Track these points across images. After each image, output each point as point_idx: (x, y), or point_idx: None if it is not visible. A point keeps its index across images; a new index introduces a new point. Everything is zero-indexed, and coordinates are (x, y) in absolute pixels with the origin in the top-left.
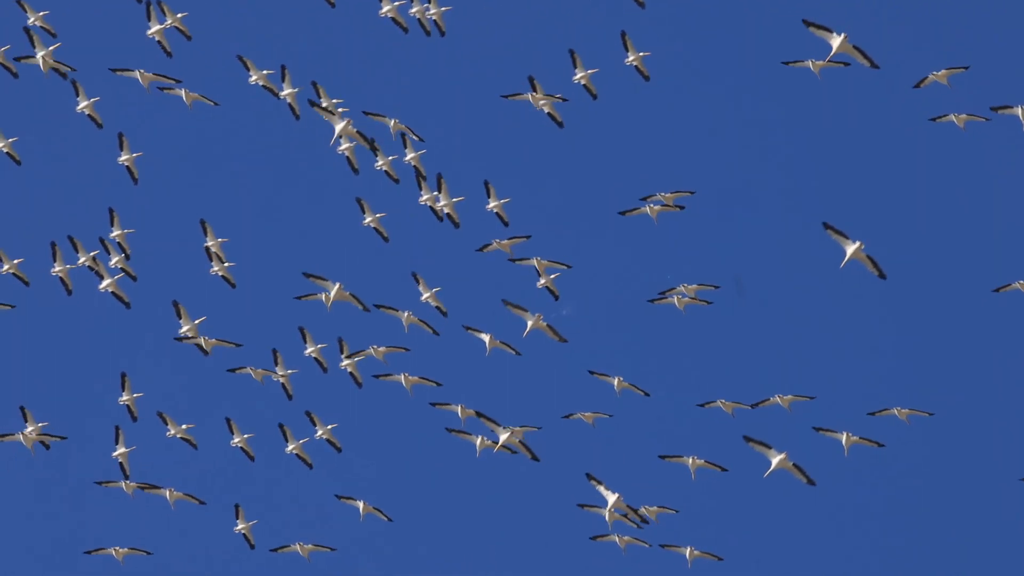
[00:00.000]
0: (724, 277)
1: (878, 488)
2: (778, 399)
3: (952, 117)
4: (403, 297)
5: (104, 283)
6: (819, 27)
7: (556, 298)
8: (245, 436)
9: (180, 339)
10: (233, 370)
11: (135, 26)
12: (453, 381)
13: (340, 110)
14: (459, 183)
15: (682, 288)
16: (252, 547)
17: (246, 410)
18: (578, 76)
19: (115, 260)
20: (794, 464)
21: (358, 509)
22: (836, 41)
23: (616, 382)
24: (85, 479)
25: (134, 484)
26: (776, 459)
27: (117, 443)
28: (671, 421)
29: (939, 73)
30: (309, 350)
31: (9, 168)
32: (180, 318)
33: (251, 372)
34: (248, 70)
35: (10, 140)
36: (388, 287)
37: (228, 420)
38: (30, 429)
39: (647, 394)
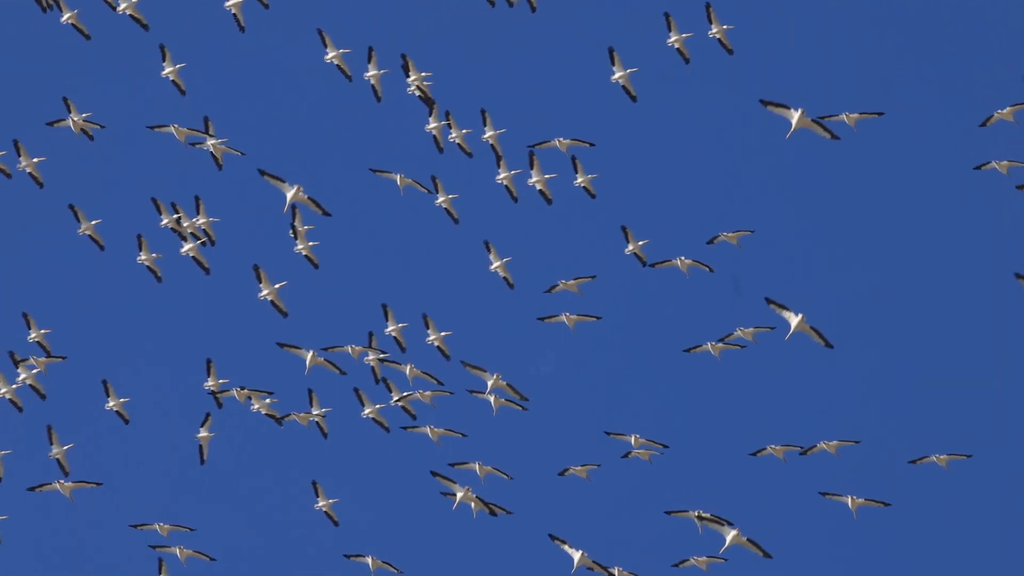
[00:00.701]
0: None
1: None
2: (824, 445)
3: (995, 164)
4: (473, 267)
5: (185, 247)
6: (776, 105)
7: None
8: (323, 410)
9: (213, 393)
10: (281, 419)
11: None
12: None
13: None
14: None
15: (739, 332)
16: (336, 524)
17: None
18: (672, 39)
19: (188, 224)
20: (748, 539)
21: (367, 565)
22: (795, 117)
23: (633, 440)
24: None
25: (167, 526)
26: (729, 536)
27: (203, 427)
28: (692, 472)
29: (1004, 111)
30: (390, 328)
31: (84, 145)
32: (260, 282)
33: (296, 418)
34: (325, 47)
35: (83, 115)
36: (458, 261)
37: (310, 391)
38: (111, 404)
39: (665, 447)
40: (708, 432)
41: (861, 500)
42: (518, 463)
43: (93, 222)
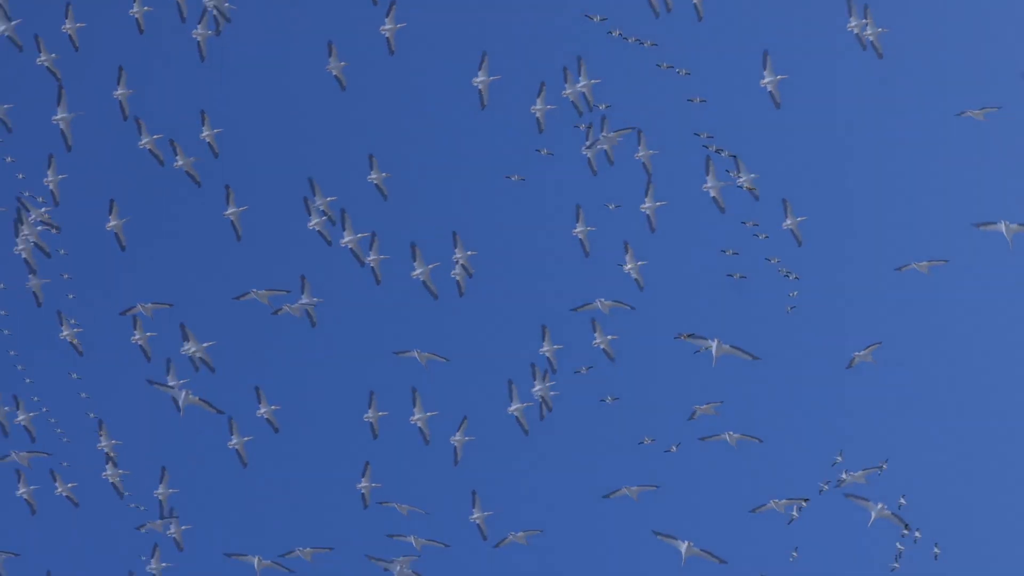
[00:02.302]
0: None
1: None
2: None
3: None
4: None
5: (346, 238)
6: (666, 536)
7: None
8: (466, 438)
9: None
10: (386, 503)
11: None
12: None
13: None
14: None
15: (834, 480)
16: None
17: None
18: (852, 24)
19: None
20: None
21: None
22: (683, 548)
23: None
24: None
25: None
26: None
27: (364, 477)
28: None
29: None
30: (545, 348)
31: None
32: (415, 261)
33: (397, 508)
34: (480, 87)
35: (215, 130)
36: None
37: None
38: (263, 410)
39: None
40: None
41: None
42: None
43: (241, 208)
